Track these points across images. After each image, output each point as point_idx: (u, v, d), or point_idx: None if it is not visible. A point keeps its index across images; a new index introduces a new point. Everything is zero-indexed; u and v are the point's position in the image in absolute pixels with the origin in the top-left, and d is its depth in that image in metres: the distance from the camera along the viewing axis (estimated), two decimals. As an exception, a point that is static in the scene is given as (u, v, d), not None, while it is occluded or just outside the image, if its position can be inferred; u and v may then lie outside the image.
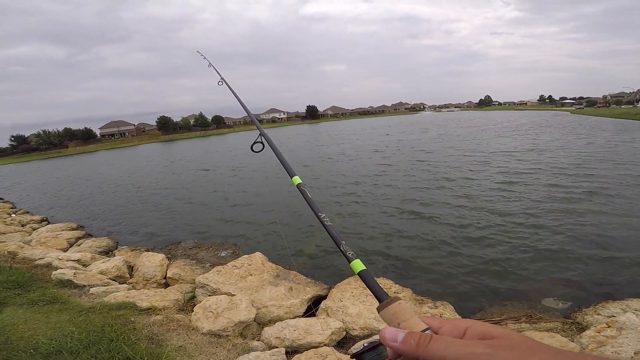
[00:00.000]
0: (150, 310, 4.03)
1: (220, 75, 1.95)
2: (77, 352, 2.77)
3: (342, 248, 0.68)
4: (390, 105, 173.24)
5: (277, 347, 3.27)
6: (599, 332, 3.31)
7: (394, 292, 4.57)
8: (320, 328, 3.50)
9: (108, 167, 30.85)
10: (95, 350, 2.80)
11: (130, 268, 6.23)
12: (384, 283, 4.87)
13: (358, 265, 0.63)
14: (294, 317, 4.13)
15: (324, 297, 4.67)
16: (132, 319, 3.66)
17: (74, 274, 5.06)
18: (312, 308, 4.35)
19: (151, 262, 6.04)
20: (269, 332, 3.58)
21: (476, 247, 6.49)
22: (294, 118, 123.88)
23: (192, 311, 4.03)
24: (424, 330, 0.44)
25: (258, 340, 3.55)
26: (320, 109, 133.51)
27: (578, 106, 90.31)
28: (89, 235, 9.45)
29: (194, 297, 4.92)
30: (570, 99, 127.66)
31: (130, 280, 5.68)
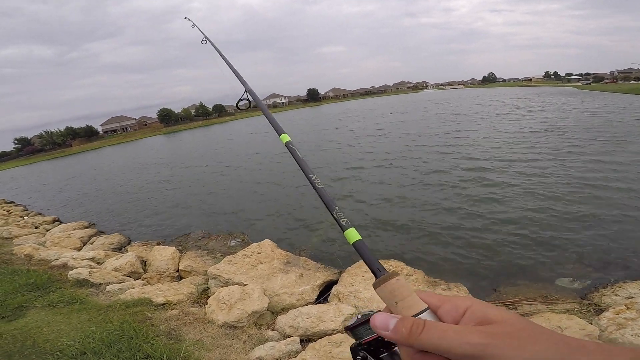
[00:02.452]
0: (166, 305, 4.13)
1: (203, 34, 1.96)
2: (100, 353, 2.87)
3: (335, 215, 0.62)
4: (392, 84, 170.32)
5: (291, 336, 3.35)
6: (617, 314, 3.23)
7: (406, 275, 4.58)
8: (333, 315, 3.56)
9: (112, 163, 31.06)
10: (116, 350, 2.89)
11: (144, 263, 6.36)
12: (395, 265, 4.88)
13: (353, 234, 0.58)
14: (306, 304, 4.20)
15: (335, 282, 4.69)
16: (149, 315, 3.76)
17: (90, 272, 5.18)
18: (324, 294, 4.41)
19: (163, 255, 6.15)
20: (282, 321, 3.66)
21: (488, 227, 6.42)
22: (295, 102, 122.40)
23: (207, 303, 4.12)
24: (422, 311, 0.42)
25: (272, 329, 3.63)
26: (321, 91, 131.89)
27: (585, 82, 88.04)
28: (100, 233, 9.62)
29: (207, 288, 5.02)
30: (576, 75, 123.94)
31: (144, 276, 5.80)
